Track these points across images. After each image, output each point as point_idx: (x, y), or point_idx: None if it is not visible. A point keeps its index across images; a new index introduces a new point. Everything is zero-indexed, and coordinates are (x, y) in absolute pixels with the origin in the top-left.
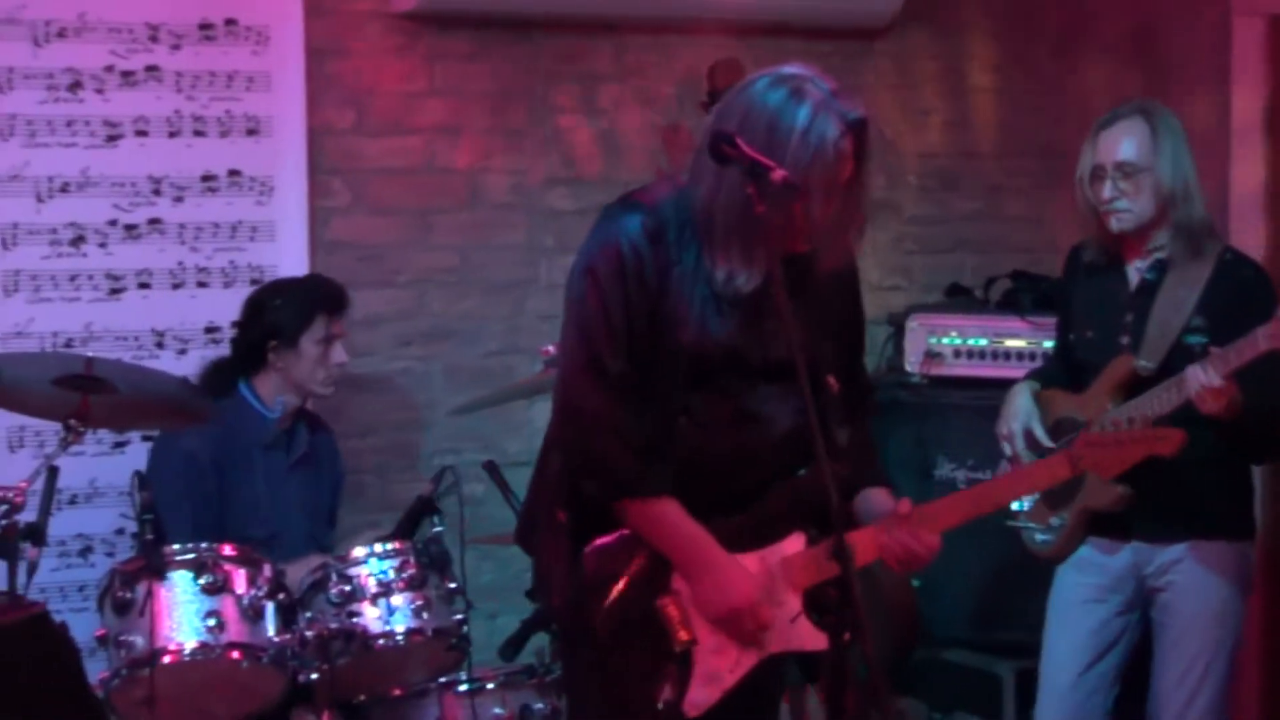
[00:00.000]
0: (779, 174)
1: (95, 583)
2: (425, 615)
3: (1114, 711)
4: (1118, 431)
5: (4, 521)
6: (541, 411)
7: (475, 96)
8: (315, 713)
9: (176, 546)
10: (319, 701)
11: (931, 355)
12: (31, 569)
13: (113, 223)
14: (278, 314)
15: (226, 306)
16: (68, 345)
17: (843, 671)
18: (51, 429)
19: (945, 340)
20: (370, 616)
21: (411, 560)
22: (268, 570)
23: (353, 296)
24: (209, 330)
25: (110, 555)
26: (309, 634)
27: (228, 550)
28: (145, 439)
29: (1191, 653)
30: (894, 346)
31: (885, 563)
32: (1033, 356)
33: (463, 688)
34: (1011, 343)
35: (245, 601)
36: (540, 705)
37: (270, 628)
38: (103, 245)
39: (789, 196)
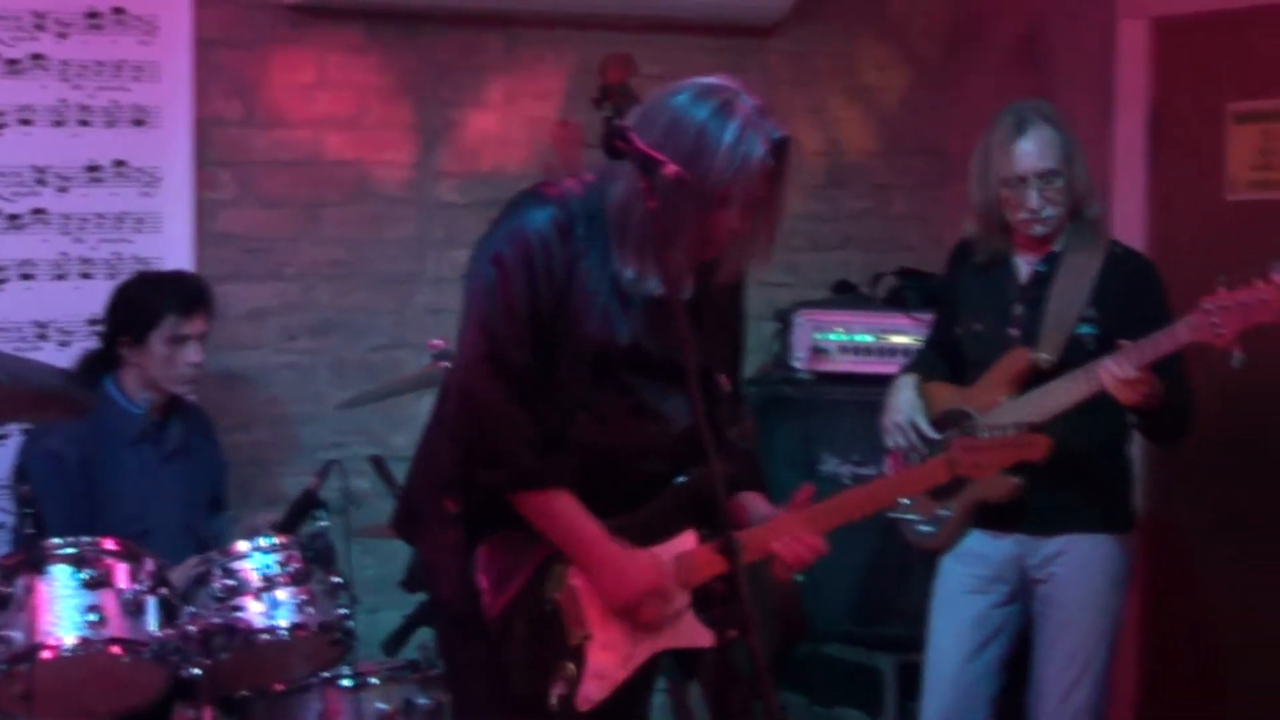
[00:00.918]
0: (670, 169)
1: None
2: (309, 610)
3: (997, 701)
4: (990, 437)
5: None
6: (429, 405)
7: (365, 89)
8: (197, 708)
9: (57, 540)
10: (201, 697)
11: (817, 351)
12: None
13: None
14: (128, 309)
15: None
16: None
17: (728, 667)
18: None
19: (831, 336)
20: (254, 611)
21: (296, 554)
22: (150, 564)
23: (238, 290)
24: (92, 322)
25: None
26: (191, 629)
27: (109, 544)
28: (24, 432)
29: (1072, 644)
30: (780, 342)
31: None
32: (901, 371)
33: (346, 683)
34: (897, 339)
35: (127, 596)
36: (424, 700)
37: (152, 622)
38: None
39: (681, 192)
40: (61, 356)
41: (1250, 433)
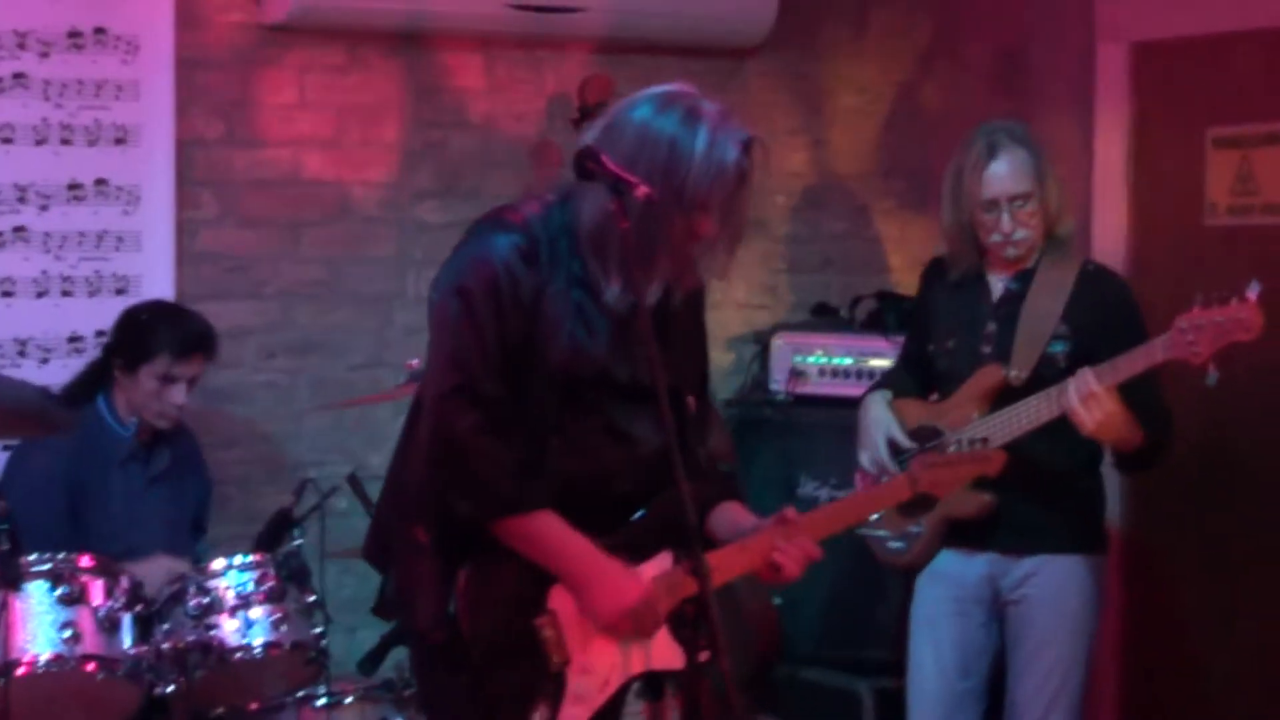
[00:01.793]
0: (642, 190)
1: None
2: (284, 628)
3: None
4: (947, 454)
5: None
6: None
7: (346, 109)
8: None
9: (34, 556)
10: (175, 715)
11: (796, 374)
12: None
13: None
14: (126, 335)
15: (90, 316)
16: None
17: (698, 689)
18: None
19: (810, 359)
20: (228, 629)
21: (271, 573)
22: (125, 582)
23: (218, 309)
24: (72, 339)
25: None
26: (166, 646)
27: (85, 561)
28: (5, 448)
29: (1046, 666)
30: (760, 364)
31: (754, 576)
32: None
33: (320, 701)
34: (876, 362)
35: (102, 613)
36: (399, 719)
37: (127, 639)
38: None
39: (656, 209)
40: (41, 374)
41: (1228, 453)
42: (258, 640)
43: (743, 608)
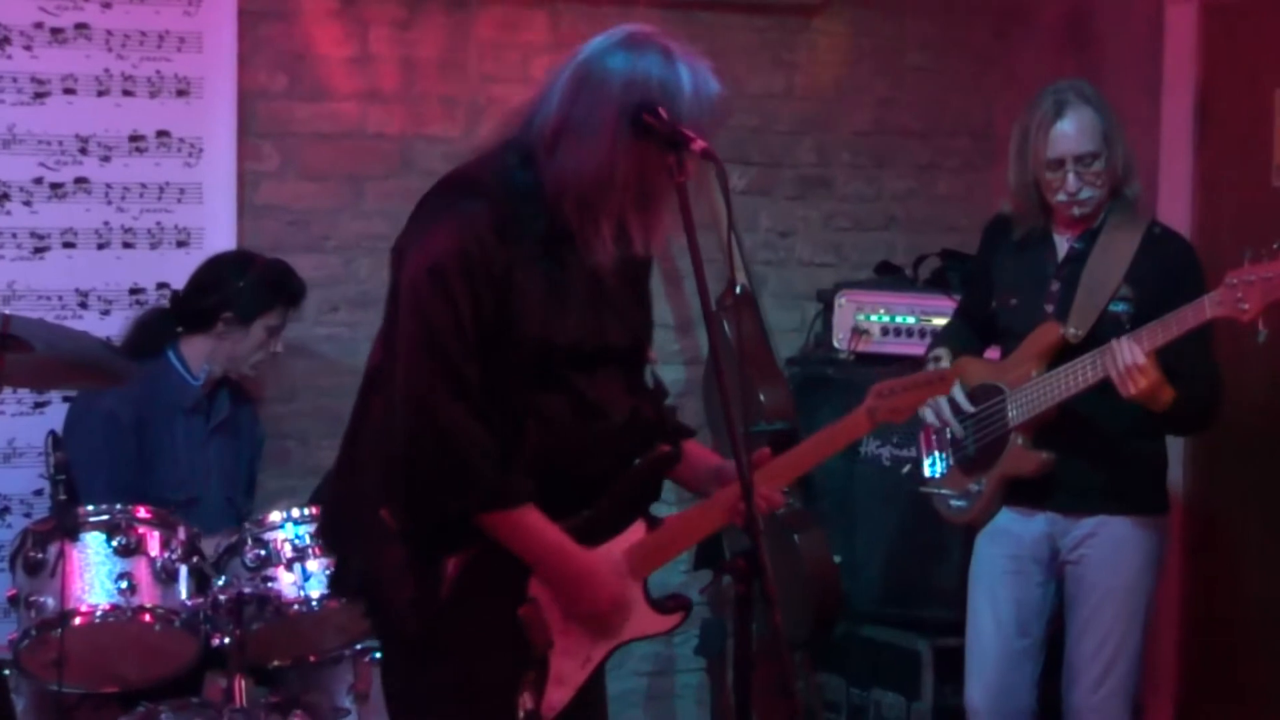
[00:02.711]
0: (699, 144)
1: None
2: None
3: (1040, 681)
4: (902, 379)
5: None
6: None
7: (409, 63)
8: (228, 677)
9: (90, 507)
10: (232, 666)
11: (859, 332)
12: None
13: (38, 181)
14: (243, 289)
15: (152, 268)
16: None
17: (748, 645)
18: None
19: (873, 317)
20: (285, 582)
21: None
22: (182, 533)
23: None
24: (133, 291)
25: (28, 516)
26: (222, 598)
27: (142, 512)
28: (65, 399)
29: (1104, 627)
30: (822, 323)
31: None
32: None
33: (377, 655)
34: (939, 321)
35: (158, 564)
36: None
37: (183, 591)
38: (27, 204)
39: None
40: (102, 325)
41: None
42: (315, 593)
43: (803, 565)
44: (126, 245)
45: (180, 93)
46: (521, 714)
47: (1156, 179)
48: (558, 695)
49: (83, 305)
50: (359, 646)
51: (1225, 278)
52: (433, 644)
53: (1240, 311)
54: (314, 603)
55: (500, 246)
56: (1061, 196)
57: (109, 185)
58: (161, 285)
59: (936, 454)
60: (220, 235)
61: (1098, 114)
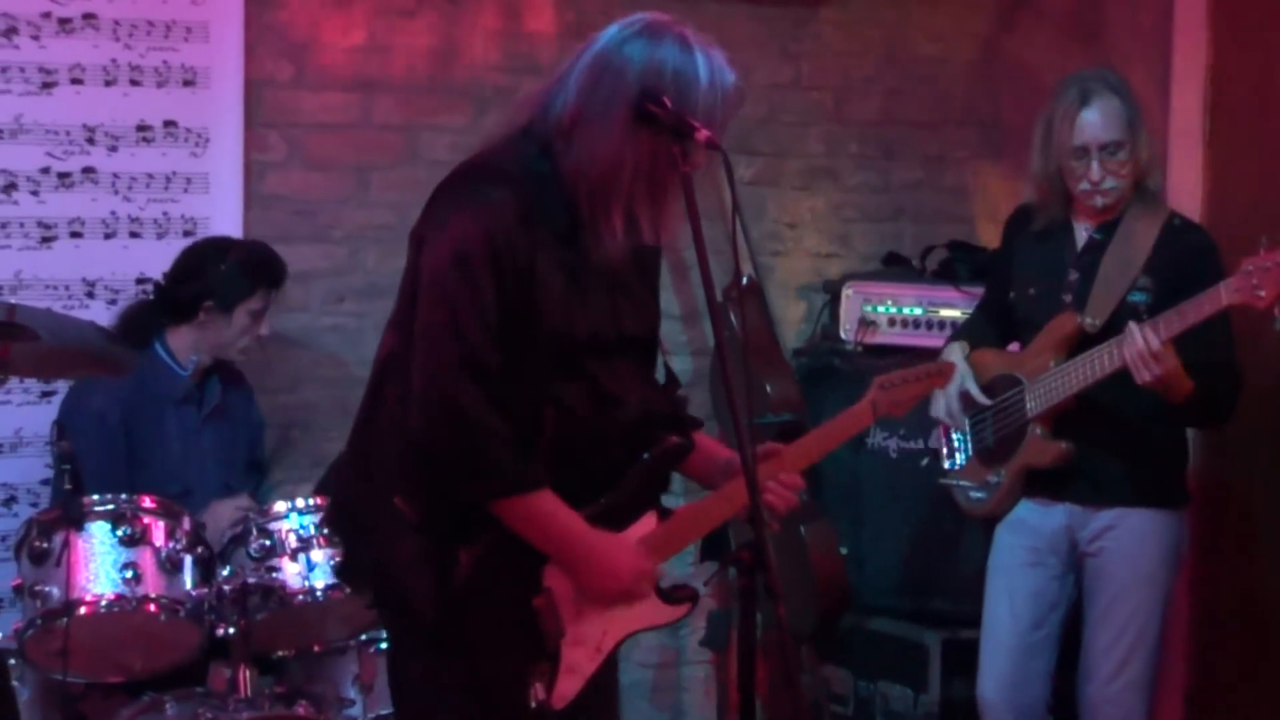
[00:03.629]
0: (703, 134)
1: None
2: None
3: (1054, 673)
4: (903, 371)
5: None
6: None
7: (415, 53)
8: (232, 667)
9: (95, 497)
10: (236, 656)
11: (866, 323)
12: None
13: (45, 171)
14: (221, 276)
15: (158, 258)
16: None
17: (751, 638)
18: None
19: (880, 309)
20: (290, 572)
21: None
22: (187, 523)
23: (285, 252)
24: (140, 281)
25: (34, 505)
26: (227, 588)
27: (147, 502)
28: (69, 389)
29: (1122, 621)
30: (829, 314)
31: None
32: (949, 339)
33: (382, 645)
34: (946, 312)
35: (163, 554)
36: None
37: (188, 581)
38: (35, 193)
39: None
40: (109, 315)
41: None
42: (319, 583)
43: (809, 557)
44: (133, 235)
45: (187, 83)
46: (533, 705)
47: (1166, 169)
48: (568, 685)
49: (89, 295)
50: (364, 637)
51: (1241, 265)
52: (446, 635)
53: (1257, 298)
54: (318, 593)
55: (524, 235)
56: (1084, 185)
57: (116, 175)
58: (168, 274)
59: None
60: (226, 225)
61: (1123, 103)
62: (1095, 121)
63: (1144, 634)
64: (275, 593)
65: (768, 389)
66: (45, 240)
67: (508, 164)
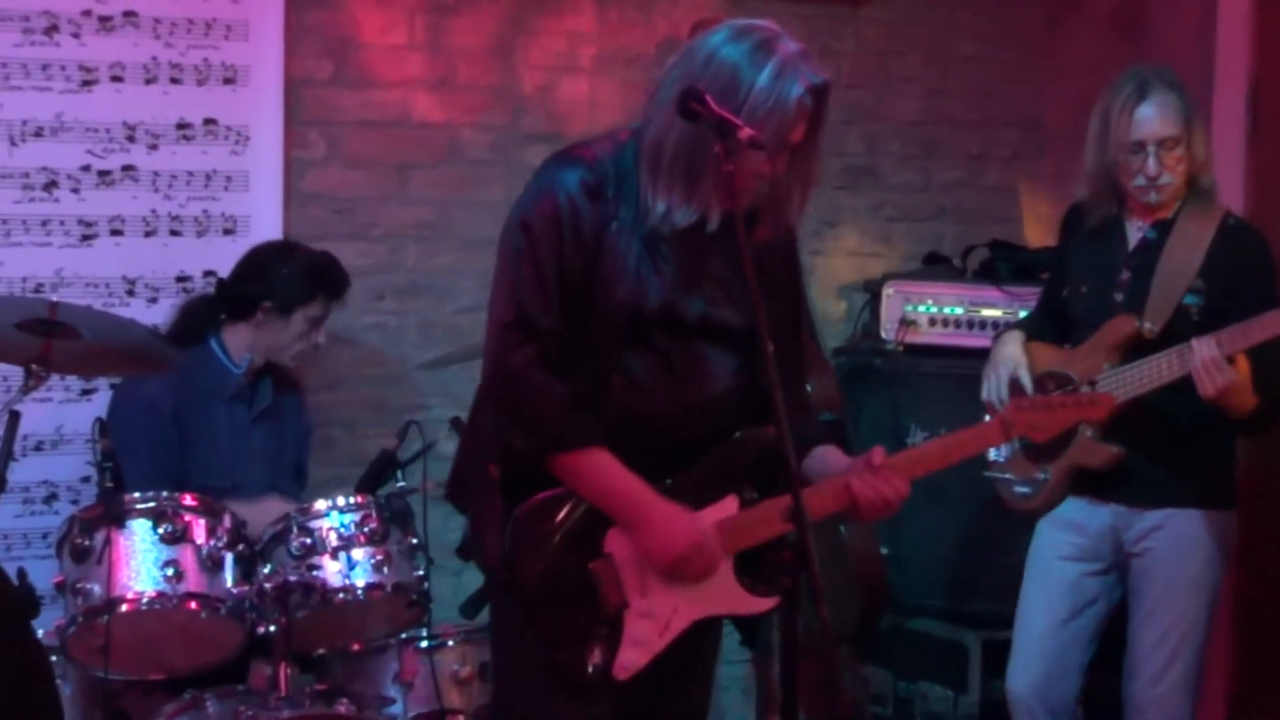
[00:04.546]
0: (746, 132)
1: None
2: (385, 570)
3: (1090, 670)
4: (1048, 396)
5: None
6: None
7: (455, 51)
8: (273, 665)
9: (137, 495)
10: (277, 654)
11: (907, 323)
12: None
13: (86, 168)
14: (283, 278)
15: (198, 256)
16: (37, 290)
17: (795, 638)
18: (15, 373)
19: (921, 308)
20: (330, 570)
21: (373, 514)
22: (228, 521)
23: (325, 249)
24: (180, 279)
25: (75, 503)
26: (268, 586)
27: (188, 500)
28: (112, 386)
29: (1168, 621)
30: (870, 313)
31: (854, 519)
32: (1008, 327)
33: (423, 644)
34: (987, 312)
35: (204, 552)
36: None
37: (229, 579)
38: (75, 191)
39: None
40: (149, 313)
41: None
42: (360, 581)
43: (849, 557)
44: (173, 233)
45: (227, 80)
46: (590, 668)
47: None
48: (632, 656)
49: (130, 293)
50: (404, 635)
51: None
52: (511, 587)
53: None
54: (359, 591)
55: (593, 209)
56: (1140, 180)
57: (156, 173)
58: (208, 273)
59: None
60: (266, 223)
61: (1180, 99)
62: (1153, 116)
63: (1190, 635)
64: (316, 591)
65: (809, 388)
66: (86, 238)
67: (596, 149)
